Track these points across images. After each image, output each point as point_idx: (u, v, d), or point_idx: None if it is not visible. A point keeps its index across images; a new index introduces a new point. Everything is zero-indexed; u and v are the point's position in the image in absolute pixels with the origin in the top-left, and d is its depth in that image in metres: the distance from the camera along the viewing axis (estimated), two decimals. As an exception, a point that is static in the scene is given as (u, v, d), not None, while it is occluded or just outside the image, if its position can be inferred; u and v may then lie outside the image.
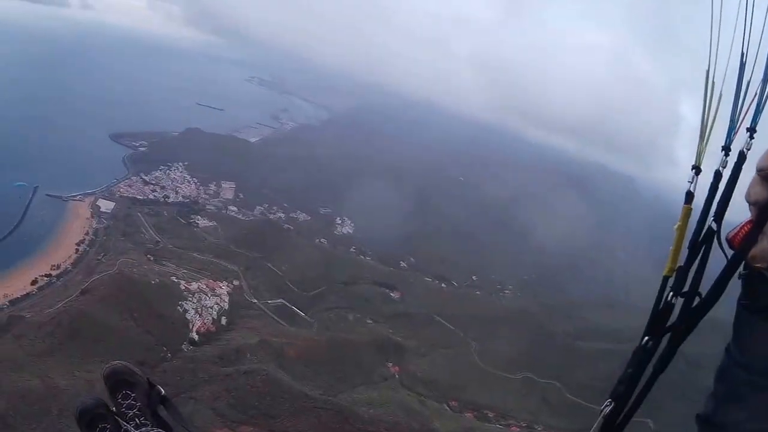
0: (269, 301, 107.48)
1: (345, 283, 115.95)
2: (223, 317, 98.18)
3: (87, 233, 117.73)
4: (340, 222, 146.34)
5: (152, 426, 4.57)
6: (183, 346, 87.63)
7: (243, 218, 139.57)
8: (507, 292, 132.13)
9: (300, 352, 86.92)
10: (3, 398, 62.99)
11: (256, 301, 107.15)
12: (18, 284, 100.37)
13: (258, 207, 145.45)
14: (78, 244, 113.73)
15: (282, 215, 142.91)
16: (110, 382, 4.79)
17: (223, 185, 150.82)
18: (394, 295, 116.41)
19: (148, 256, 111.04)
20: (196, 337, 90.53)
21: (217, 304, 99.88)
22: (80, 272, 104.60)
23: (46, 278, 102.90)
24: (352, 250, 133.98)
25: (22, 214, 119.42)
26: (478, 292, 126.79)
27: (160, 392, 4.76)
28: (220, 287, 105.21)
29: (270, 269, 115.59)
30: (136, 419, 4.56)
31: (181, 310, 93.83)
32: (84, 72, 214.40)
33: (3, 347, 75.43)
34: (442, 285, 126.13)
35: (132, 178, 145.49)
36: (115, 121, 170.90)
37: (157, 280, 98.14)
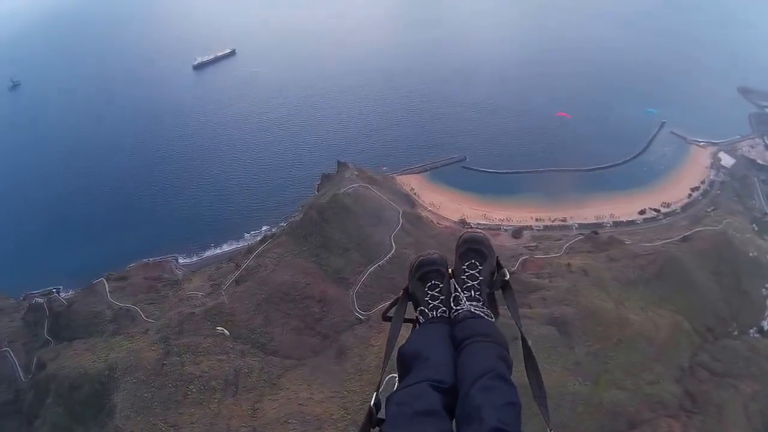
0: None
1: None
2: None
3: (703, 182, 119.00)
4: None
5: (483, 303, 4.63)
6: (751, 330, 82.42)
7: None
8: None
9: None
10: (578, 309, 72.78)
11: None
12: (625, 209, 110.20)
13: None
14: (692, 190, 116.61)
15: None
16: (464, 247, 4.84)
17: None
18: None
19: (753, 225, 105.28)
20: (766, 326, 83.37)
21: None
22: (686, 218, 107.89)
23: (654, 212, 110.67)
24: None
25: (646, 144, 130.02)
26: None
27: (505, 275, 4.78)
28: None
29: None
30: (471, 291, 4.65)
31: (765, 292, 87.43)
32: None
33: (596, 264, 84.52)
34: None
35: (755, 139, 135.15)
36: (745, 75, 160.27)
37: (755, 254, 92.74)
